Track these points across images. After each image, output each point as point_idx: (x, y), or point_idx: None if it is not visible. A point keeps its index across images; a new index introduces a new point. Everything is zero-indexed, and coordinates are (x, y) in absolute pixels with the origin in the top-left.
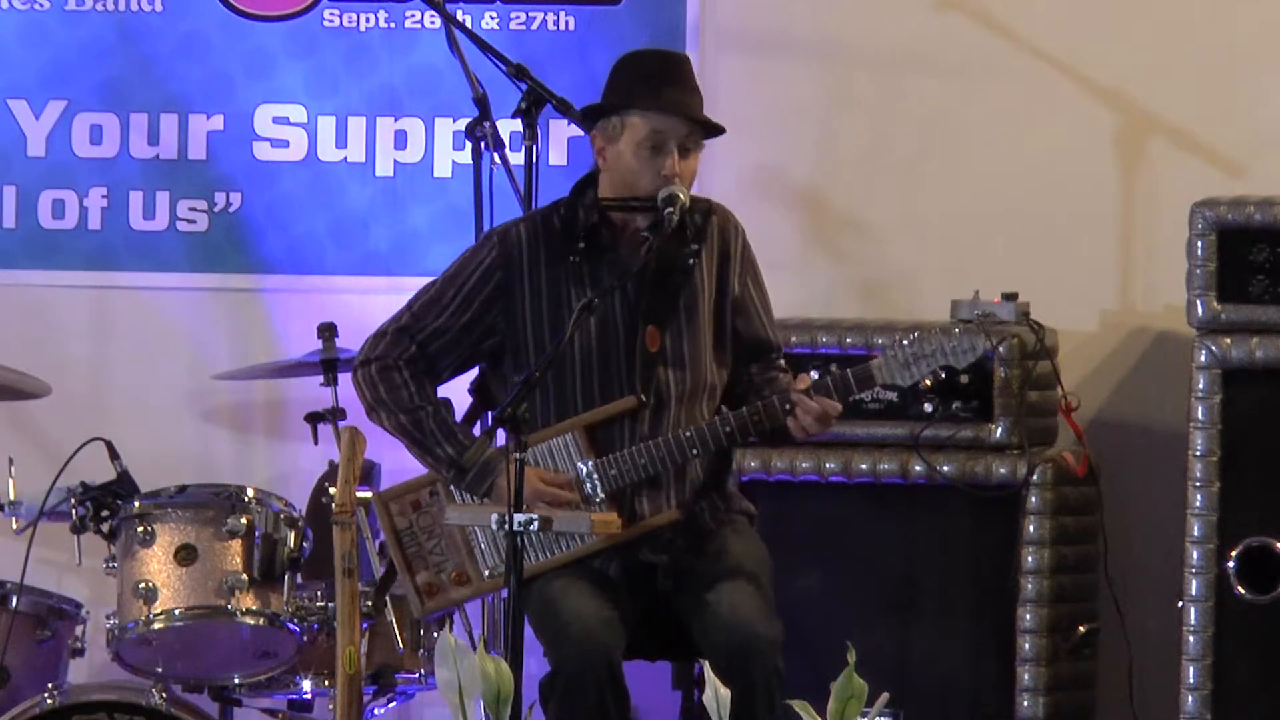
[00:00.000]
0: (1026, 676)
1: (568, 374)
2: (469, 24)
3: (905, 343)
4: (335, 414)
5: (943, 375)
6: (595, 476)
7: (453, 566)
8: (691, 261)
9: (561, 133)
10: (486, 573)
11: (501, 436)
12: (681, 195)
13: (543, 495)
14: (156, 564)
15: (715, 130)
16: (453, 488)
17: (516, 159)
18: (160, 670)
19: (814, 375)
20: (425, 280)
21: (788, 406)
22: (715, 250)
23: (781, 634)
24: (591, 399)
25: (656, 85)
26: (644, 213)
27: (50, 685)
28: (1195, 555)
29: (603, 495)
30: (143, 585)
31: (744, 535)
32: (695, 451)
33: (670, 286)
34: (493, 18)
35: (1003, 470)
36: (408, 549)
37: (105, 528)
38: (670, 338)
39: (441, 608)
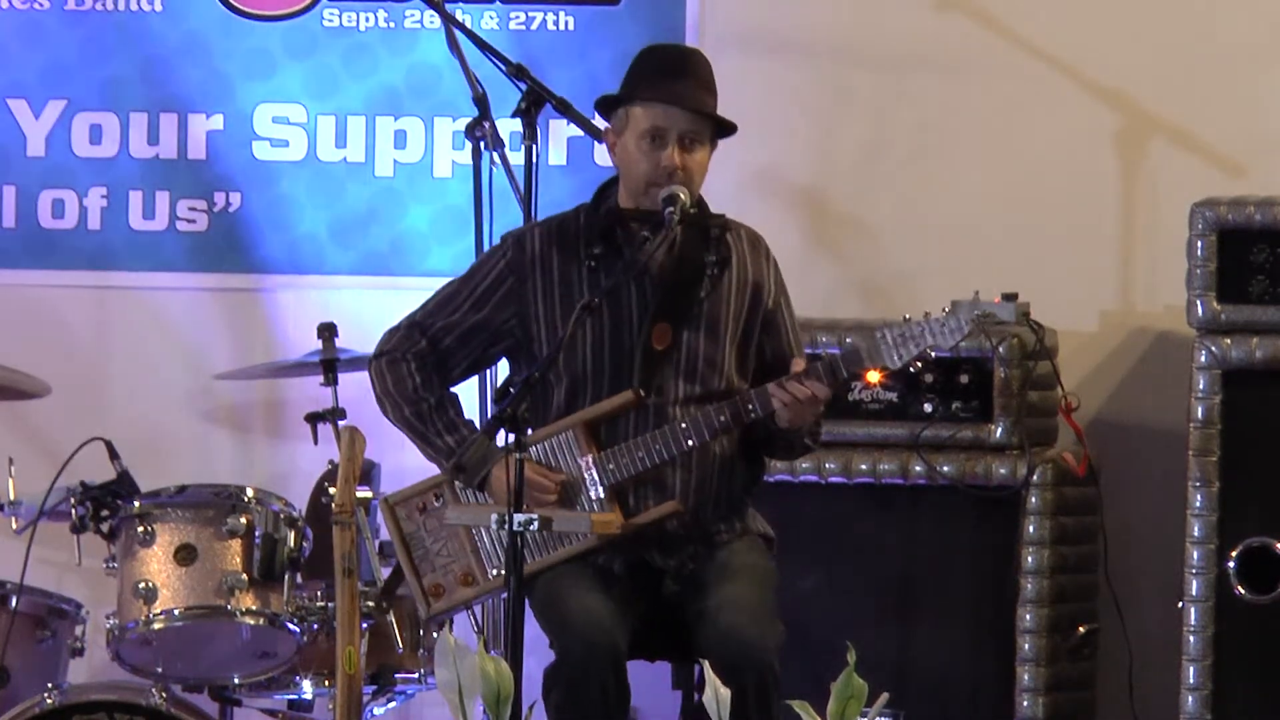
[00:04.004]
0: (1026, 676)
1: (579, 372)
2: (469, 24)
3: (893, 327)
4: (335, 414)
5: (932, 356)
6: (594, 472)
7: (459, 567)
8: (716, 271)
9: (561, 133)
10: (494, 573)
11: (502, 436)
12: (682, 195)
13: (530, 484)
14: (156, 564)
15: (725, 127)
16: (459, 488)
17: (516, 159)
18: (160, 670)
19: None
20: (424, 280)
21: (774, 390)
22: (748, 264)
23: (780, 638)
24: (601, 395)
25: (662, 78)
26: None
27: (50, 685)
28: (1195, 555)
29: (603, 492)
30: (143, 585)
31: (754, 550)
32: (690, 441)
33: (689, 290)
34: (492, 18)
35: (1003, 470)
36: (414, 552)
37: (105, 528)
38: (687, 340)
39: (448, 609)
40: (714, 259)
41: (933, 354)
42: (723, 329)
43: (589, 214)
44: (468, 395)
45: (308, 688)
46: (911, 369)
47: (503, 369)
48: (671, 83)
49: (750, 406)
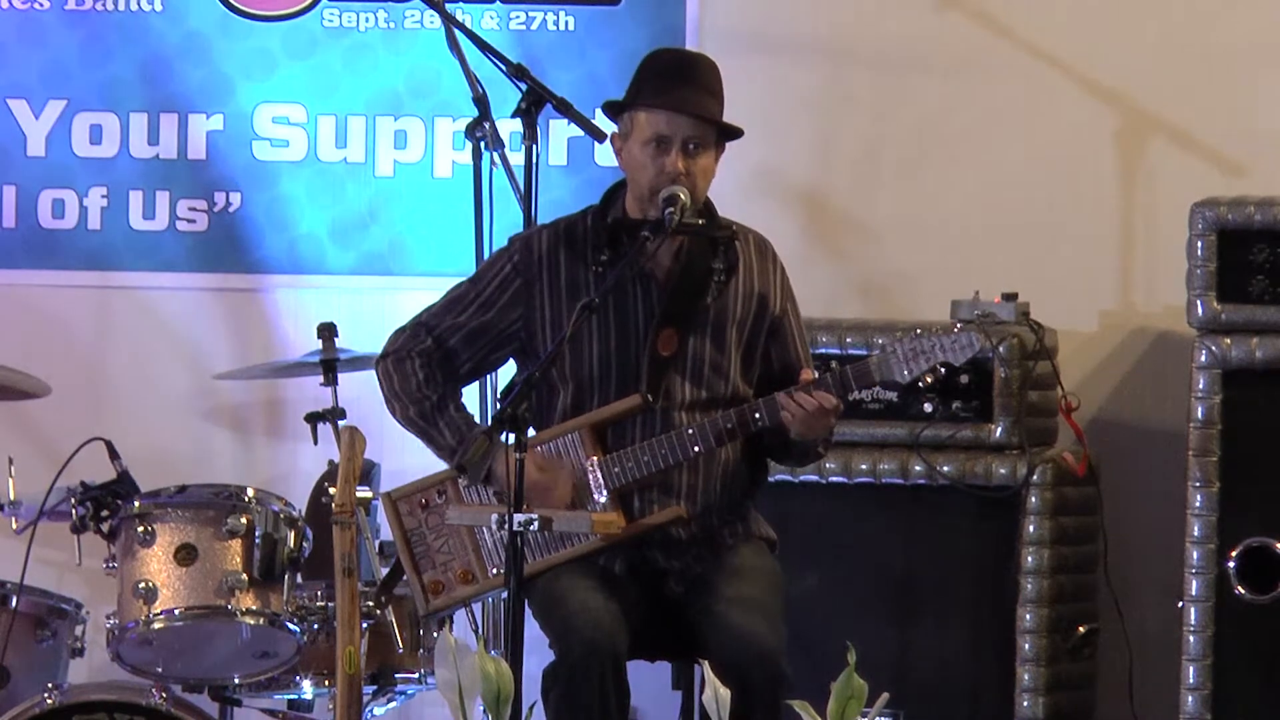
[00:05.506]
0: (1026, 676)
1: (585, 376)
2: (469, 24)
3: (903, 340)
4: (335, 414)
5: (942, 372)
6: (598, 475)
7: (459, 565)
8: (722, 278)
9: (561, 133)
10: (494, 571)
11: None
12: (682, 195)
13: (529, 480)
14: (156, 564)
15: (730, 131)
16: (463, 486)
17: (516, 159)
18: (160, 670)
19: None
20: (424, 280)
21: (783, 401)
22: (755, 270)
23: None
24: (606, 399)
25: (666, 83)
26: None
27: (50, 685)
28: (1195, 555)
29: (606, 494)
30: (143, 585)
31: (760, 554)
32: (697, 448)
33: (696, 295)
34: (493, 18)
35: (1003, 470)
36: (415, 548)
37: (105, 528)
38: (693, 345)
39: (447, 606)
40: (721, 265)
41: (943, 370)
42: (728, 334)
43: (596, 217)
44: (469, 396)
45: (308, 688)
46: (921, 384)
47: (506, 372)
48: (675, 88)
49: (757, 415)
